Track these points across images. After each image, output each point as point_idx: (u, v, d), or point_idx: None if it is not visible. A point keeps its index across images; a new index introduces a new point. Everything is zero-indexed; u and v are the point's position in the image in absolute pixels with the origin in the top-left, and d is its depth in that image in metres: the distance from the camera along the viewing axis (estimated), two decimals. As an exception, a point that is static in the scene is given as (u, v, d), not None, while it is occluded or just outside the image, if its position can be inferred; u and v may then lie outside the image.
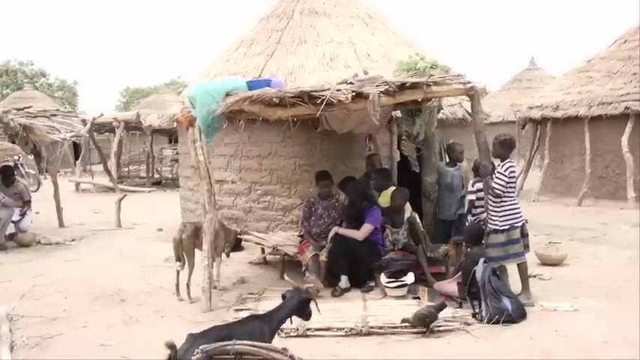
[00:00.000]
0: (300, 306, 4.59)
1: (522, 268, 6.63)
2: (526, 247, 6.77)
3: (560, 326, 5.77)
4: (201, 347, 3.73)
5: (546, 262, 8.28)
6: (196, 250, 7.03)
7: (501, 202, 6.49)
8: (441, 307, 5.80)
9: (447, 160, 8.83)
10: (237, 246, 9.54)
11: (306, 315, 4.68)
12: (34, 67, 45.38)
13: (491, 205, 6.58)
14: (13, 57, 45.29)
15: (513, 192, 6.60)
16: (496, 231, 6.50)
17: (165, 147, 26.01)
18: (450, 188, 8.27)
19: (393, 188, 7.92)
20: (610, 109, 13.88)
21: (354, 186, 7.57)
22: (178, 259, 7.05)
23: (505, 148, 6.64)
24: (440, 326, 5.72)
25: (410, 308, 6.11)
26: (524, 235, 6.66)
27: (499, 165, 6.59)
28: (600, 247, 9.41)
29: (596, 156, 14.24)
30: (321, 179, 7.85)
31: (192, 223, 7.49)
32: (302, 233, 7.87)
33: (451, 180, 8.29)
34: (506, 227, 6.47)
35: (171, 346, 3.84)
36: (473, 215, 7.67)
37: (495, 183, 6.46)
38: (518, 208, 6.61)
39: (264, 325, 4.39)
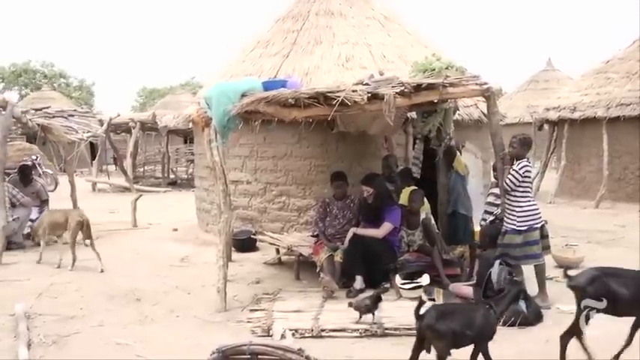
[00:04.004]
0: (518, 295, 5.32)
1: (539, 271, 6.56)
2: (547, 248, 6.72)
3: (577, 329, 5.70)
4: (217, 347, 3.75)
5: (563, 265, 8.19)
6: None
7: (519, 202, 6.44)
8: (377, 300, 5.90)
9: None
10: (251, 247, 9.62)
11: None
12: (54, 69, 45.88)
13: (508, 204, 6.53)
14: (35, 58, 45.71)
15: (529, 192, 6.55)
16: (514, 231, 6.44)
17: (180, 147, 26.15)
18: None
19: (411, 188, 7.88)
20: (628, 111, 13.74)
21: (381, 181, 7.57)
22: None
23: (523, 147, 6.60)
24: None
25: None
26: (544, 236, 6.60)
27: (516, 163, 6.55)
28: (618, 250, 9.29)
29: (614, 158, 14.07)
30: (336, 180, 7.83)
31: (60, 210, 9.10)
32: (316, 233, 7.87)
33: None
34: (525, 228, 6.41)
35: None
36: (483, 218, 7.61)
37: (507, 178, 6.44)
38: (537, 209, 6.55)
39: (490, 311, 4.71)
